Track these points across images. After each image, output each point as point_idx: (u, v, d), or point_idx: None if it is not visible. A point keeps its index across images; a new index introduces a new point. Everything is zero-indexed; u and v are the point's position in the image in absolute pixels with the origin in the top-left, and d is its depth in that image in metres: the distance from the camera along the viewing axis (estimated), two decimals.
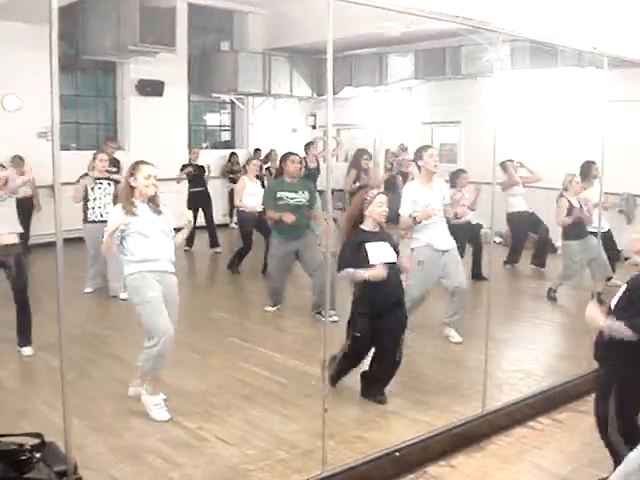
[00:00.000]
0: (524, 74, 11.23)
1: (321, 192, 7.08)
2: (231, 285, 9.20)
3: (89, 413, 4.60)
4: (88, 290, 8.09)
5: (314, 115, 15.74)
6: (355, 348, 4.90)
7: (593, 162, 7.94)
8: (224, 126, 15.54)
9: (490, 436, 4.50)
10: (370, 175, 9.31)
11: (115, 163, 9.08)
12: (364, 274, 4.67)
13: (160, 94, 12.91)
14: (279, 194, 7.11)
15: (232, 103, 14.98)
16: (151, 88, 12.79)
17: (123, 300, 7.52)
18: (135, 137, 12.74)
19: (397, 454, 4.06)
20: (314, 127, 15.75)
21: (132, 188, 4.60)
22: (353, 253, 4.78)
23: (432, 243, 6.09)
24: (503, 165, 9.45)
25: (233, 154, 14.13)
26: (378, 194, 4.96)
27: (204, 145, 14.71)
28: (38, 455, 2.89)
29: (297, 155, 7.41)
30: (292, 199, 7.08)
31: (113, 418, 4.62)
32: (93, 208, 7.84)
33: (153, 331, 4.49)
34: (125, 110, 13.03)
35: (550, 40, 5.43)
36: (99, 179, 7.88)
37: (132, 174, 4.60)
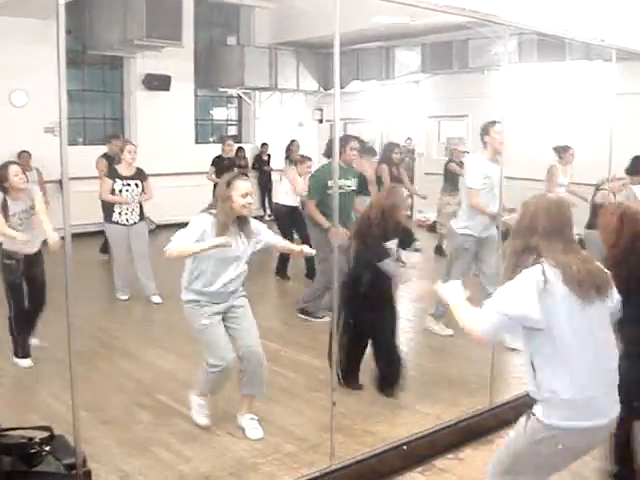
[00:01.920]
0: (532, 67, 11.18)
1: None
2: None
3: (98, 406, 4.62)
4: (123, 297, 7.68)
5: (320, 109, 15.71)
6: (351, 337, 4.91)
7: None
8: (231, 120, 15.53)
9: (498, 429, 4.49)
10: (401, 169, 9.09)
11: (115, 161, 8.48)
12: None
13: (167, 89, 12.91)
14: (330, 182, 6.32)
15: (239, 97, 14.97)
16: (158, 83, 12.79)
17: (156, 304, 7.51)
18: (142, 132, 12.76)
19: (405, 447, 4.07)
20: (320, 121, 15.73)
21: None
22: (379, 247, 4.91)
23: (479, 235, 6.05)
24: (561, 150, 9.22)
25: (240, 149, 14.12)
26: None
27: (211, 139, 14.72)
28: (47, 448, 2.91)
29: (356, 140, 6.93)
30: (347, 186, 6.57)
31: (122, 411, 4.65)
32: (120, 213, 7.37)
33: (210, 357, 4.16)
34: (132, 105, 13.04)
35: (558, 33, 5.40)
36: (128, 179, 7.36)
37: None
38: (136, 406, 4.73)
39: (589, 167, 8.64)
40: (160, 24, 10.74)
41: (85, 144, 12.41)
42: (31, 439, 2.91)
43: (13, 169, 5.17)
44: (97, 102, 13.14)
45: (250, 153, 14.40)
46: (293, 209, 8.38)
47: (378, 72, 13.54)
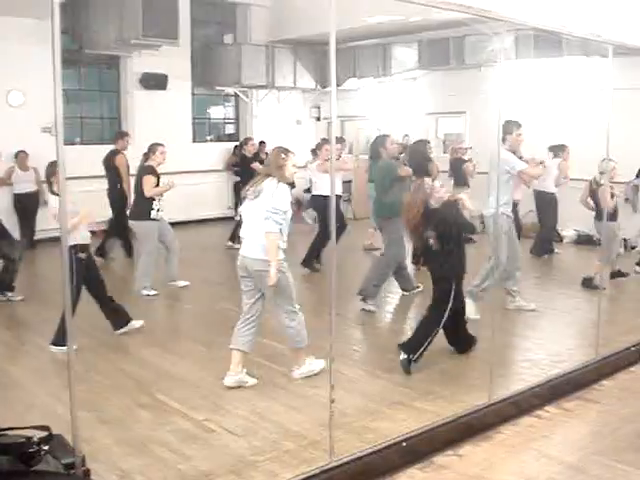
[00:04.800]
0: (529, 63, 11.19)
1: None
2: (236, 277, 9.16)
3: (97, 406, 4.62)
4: (153, 292, 7.70)
5: (318, 107, 15.70)
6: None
7: None
8: (228, 119, 15.51)
9: (497, 425, 4.50)
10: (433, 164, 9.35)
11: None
12: None
13: (164, 87, 12.91)
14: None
15: (236, 96, 14.95)
16: (155, 82, 12.79)
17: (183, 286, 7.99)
18: (139, 131, 12.72)
19: (404, 444, 4.07)
20: (318, 119, 15.72)
21: None
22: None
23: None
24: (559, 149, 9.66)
25: (262, 142, 13.87)
26: (442, 186, 5.43)
27: (208, 138, 14.69)
28: (46, 448, 2.89)
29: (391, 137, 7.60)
30: None
31: (121, 411, 4.64)
32: (158, 210, 7.65)
33: (295, 305, 5.14)
34: (129, 104, 13.02)
35: (555, 29, 5.39)
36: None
37: (284, 159, 4.86)
38: (135, 405, 4.73)
39: (586, 162, 8.68)
40: (156, 23, 10.73)
41: (83, 144, 12.39)
42: (29, 438, 2.89)
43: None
44: (94, 101, 13.13)
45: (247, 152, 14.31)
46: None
47: (375, 69, 13.56)
